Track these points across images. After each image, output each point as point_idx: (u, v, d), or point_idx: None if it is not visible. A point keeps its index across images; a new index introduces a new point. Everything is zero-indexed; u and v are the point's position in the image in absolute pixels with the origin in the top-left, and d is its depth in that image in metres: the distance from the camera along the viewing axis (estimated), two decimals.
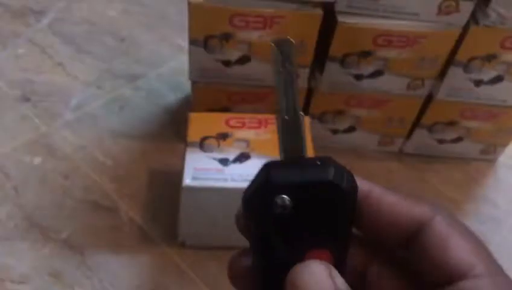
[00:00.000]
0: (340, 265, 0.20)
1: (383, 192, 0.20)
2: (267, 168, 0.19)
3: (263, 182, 0.19)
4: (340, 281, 0.19)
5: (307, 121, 0.52)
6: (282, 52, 0.18)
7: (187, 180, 0.45)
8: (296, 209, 0.19)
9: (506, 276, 0.18)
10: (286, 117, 0.19)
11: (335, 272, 0.19)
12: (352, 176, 0.19)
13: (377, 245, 0.21)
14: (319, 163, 0.19)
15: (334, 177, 0.19)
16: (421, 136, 0.60)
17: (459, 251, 0.18)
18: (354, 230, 0.21)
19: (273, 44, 0.17)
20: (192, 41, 0.50)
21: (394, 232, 0.20)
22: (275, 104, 0.18)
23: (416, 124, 0.59)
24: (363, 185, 0.20)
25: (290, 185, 0.19)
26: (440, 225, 0.19)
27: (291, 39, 0.17)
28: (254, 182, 0.19)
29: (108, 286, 0.47)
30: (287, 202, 0.19)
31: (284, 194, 0.18)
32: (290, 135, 0.19)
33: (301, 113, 0.19)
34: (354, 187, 0.19)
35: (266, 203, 0.19)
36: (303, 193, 0.19)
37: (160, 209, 0.53)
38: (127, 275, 0.48)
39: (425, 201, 0.20)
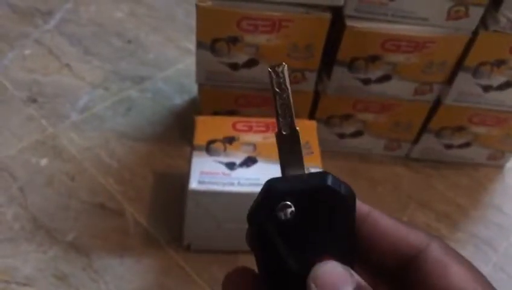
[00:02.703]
0: None
1: (381, 215, 0.21)
2: (268, 183, 0.20)
3: (265, 192, 0.20)
4: (358, 277, 0.19)
5: (314, 124, 0.52)
6: (278, 75, 0.20)
7: (193, 184, 0.45)
8: (298, 215, 0.20)
9: None
10: (284, 133, 0.20)
11: (352, 271, 0.20)
12: (350, 187, 0.20)
13: (379, 269, 0.22)
14: (317, 174, 0.20)
15: (332, 183, 0.20)
16: (428, 141, 0.60)
17: (460, 278, 0.19)
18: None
19: (269, 69, 0.20)
20: (200, 44, 0.50)
21: (392, 256, 0.21)
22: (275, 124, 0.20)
23: (423, 128, 0.59)
24: (362, 207, 0.21)
25: (291, 192, 0.20)
26: (438, 252, 0.20)
27: (285, 64, 0.20)
28: (257, 197, 0.20)
29: (113, 289, 0.47)
30: (289, 208, 0.20)
31: (286, 201, 0.20)
32: (288, 150, 0.20)
33: (297, 128, 0.20)
34: (352, 194, 0.20)
35: (269, 211, 0.20)
36: (303, 199, 0.20)
37: (165, 212, 0.53)
38: (132, 277, 0.48)
39: (420, 228, 0.21)
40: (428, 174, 0.61)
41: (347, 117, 0.58)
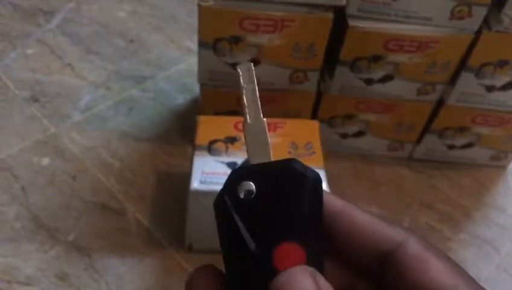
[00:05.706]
0: (314, 262, 0.19)
1: (356, 210, 0.21)
2: (233, 170, 0.21)
3: (228, 177, 0.20)
4: (324, 285, 0.18)
5: (316, 125, 0.52)
6: (245, 72, 0.21)
7: (195, 184, 0.45)
8: (260, 196, 0.20)
9: None
10: (249, 122, 0.21)
11: (319, 276, 0.19)
12: (316, 172, 0.20)
13: (356, 267, 0.21)
14: (282, 160, 0.20)
15: (297, 165, 0.20)
16: (431, 141, 0.60)
17: (441, 272, 0.19)
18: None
19: (237, 68, 0.21)
20: (202, 44, 0.50)
21: (369, 252, 0.20)
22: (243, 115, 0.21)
23: (426, 129, 0.59)
24: (336, 202, 0.21)
25: (254, 173, 0.20)
26: (416, 247, 0.19)
27: (251, 62, 0.22)
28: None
29: (114, 289, 0.47)
30: (251, 187, 0.20)
31: (248, 182, 0.20)
32: (255, 139, 0.21)
33: (264, 119, 0.21)
34: (318, 177, 0.20)
35: (231, 193, 0.20)
36: (267, 179, 0.20)
37: (167, 212, 0.53)
38: (134, 277, 0.48)
39: (398, 224, 0.21)
40: (430, 175, 0.61)
41: (349, 117, 0.57)
